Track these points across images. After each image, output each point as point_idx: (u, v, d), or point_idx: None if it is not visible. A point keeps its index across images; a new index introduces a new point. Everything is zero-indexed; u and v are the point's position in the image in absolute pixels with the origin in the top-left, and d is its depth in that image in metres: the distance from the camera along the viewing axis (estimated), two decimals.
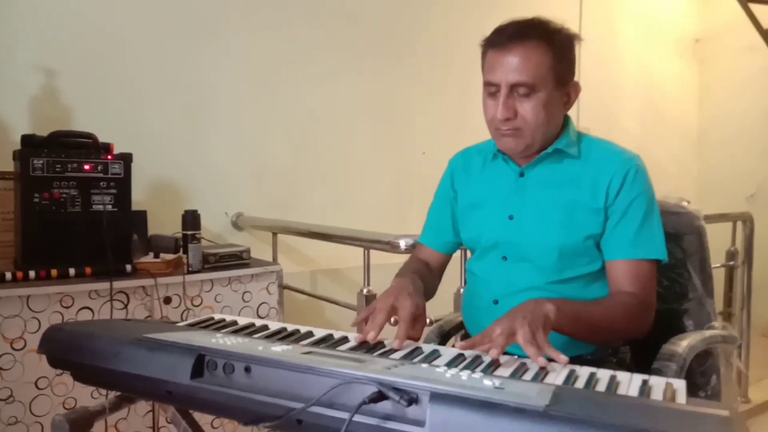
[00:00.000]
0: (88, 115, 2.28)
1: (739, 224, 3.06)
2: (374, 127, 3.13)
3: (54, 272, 1.79)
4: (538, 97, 1.18)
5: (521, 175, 1.29)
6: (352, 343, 1.08)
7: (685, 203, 1.49)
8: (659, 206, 1.27)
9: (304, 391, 0.80)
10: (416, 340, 1.11)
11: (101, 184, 1.90)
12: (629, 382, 0.85)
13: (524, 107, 1.19)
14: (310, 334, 1.12)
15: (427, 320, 1.16)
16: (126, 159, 1.95)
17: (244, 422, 0.87)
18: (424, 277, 1.35)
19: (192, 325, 1.15)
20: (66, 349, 0.99)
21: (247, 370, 0.85)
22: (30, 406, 1.71)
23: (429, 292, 1.39)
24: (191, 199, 2.49)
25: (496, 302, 1.28)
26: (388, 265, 1.65)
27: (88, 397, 1.77)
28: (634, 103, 4.44)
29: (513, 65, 1.17)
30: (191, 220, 1.99)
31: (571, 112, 1.32)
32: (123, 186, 1.94)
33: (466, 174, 1.40)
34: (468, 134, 1.50)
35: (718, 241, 2.90)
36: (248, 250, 2.17)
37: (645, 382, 0.84)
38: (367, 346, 1.06)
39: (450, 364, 0.95)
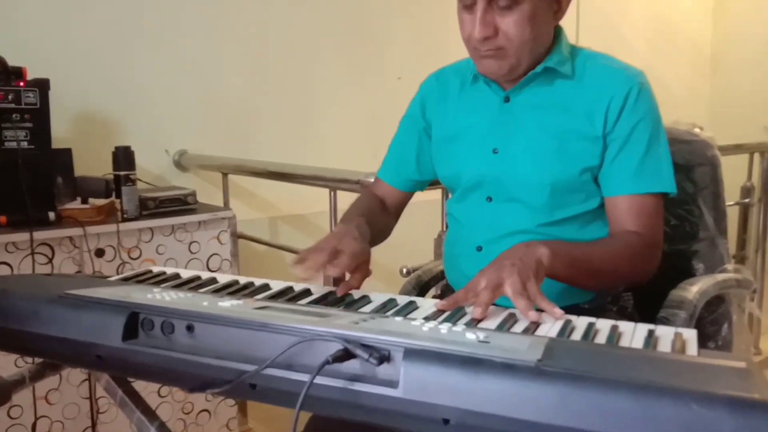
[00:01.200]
0: None
1: (756, 156, 3.09)
2: (340, 48, 3.06)
3: None
4: (521, 9, 1.13)
5: (506, 100, 1.26)
6: (315, 296, 1.07)
7: (697, 130, 1.48)
8: (668, 133, 1.25)
9: (257, 351, 0.79)
10: (357, 288, 1.11)
11: (13, 116, 1.82)
12: (633, 333, 0.85)
13: (506, 22, 1.14)
14: (266, 287, 1.11)
15: (371, 270, 1.16)
16: (42, 86, 1.87)
17: (189, 389, 0.85)
18: (375, 218, 1.34)
19: (126, 280, 1.13)
20: None
21: (190, 329, 0.83)
22: None
23: (380, 234, 1.38)
24: (124, 135, 2.42)
25: (479, 249, 1.27)
26: None
27: (11, 365, 1.74)
28: (641, 19, 4.39)
29: None
30: (124, 158, 1.94)
31: (569, 28, 1.28)
32: (40, 119, 1.86)
33: (442, 100, 1.36)
34: (449, 56, 1.45)
35: (732, 175, 2.94)
36: (194, 194, 2.14)
37: (651, 333, 0.84)
38: (330, 300, 1.05)
39: (429, 317, 0.94)
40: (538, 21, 1.16)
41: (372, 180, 1.90)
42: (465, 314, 0.95)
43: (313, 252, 1.10)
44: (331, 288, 1.10)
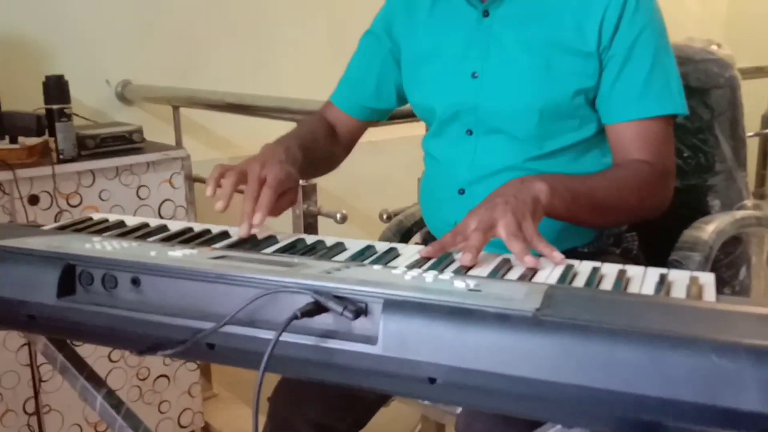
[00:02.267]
0: None
1: None
2: None
3: None
4: None
5: (485, 14, 1.24)
6: (282, 244, 1.06)
7: (714, 47, 1.48)
8: (680, 52, 1.27)
9: (215, 307, 0.78)
10: (276, 215, 1.10)
11: None
12: (642, 279, 0.85)
13: None
14: (225, 235, 1.10)
15: (300, 200, 1.15)
16: None
17: (138, 351, 0.86)
18: (315, 145, 1.33)
19: (62, 228, 1.11)
20: None
21: (135, 282, 0.82)
22: None
23: (322, 163, 1.39)
24: (57, 63, 2.36)
25: (461, 192, 1.27)
26: None
27: None
28: None
29: None
30: (57, 89, 1.91)
31: None
32: None
33: (410, 15, 1.35)
34: None
35: (753, 102, 2.95)
36: (140, 130, 2.12)
37: (663, 278, 0.84)
38: (299, 247, 1.04)
39: (412, 265, 0.94)
40: None
41: None
42: (453, 261, 0.95)
43: (233, 176, 1.08)
44: (301, 235, 1.09)
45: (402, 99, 1.42)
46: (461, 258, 0.92)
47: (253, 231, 1.06)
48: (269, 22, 2.93)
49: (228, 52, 2.83)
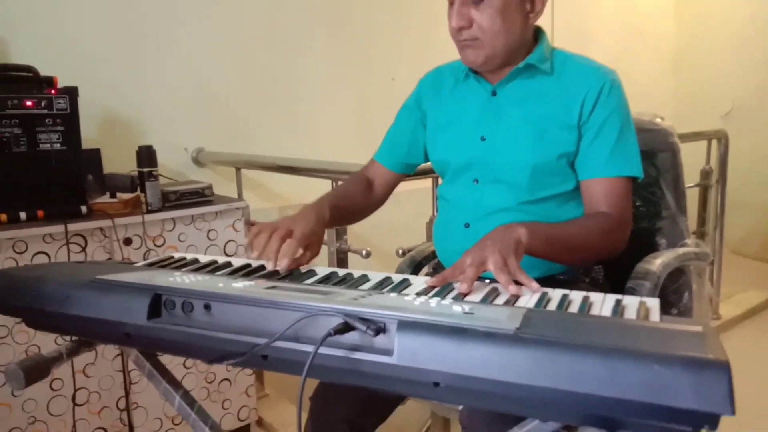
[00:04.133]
0: (25, 46, 2.15)
1: (714, 142, 3.09)
2: (337, 51, 3.03)
3: (3, 217, 1.73)
4: (492, 3, 1.15)
5: (493, 93, 1.26)
6: (319, 276, 1.07)
7: (659, 119, 1.48)
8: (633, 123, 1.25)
9: (268, 326, 0.79)
10: (301, 265, 1.12)
11: (46, 121, 1.81)
12: (602, 303, 0.85)
13: (479, 15, 1.16)
14: (276, 270, 1.09)
15: (319, 250, 1.18)
16: (71, 93, 1.85)
17: (209, 361, 0.86)
18: (348, 203, 1.35)
19: (150, 265, 1.12)
20: (14, 294, 0.95)
21: (207, 307, 0.83)
22: None
23: (354, 215, 1.40)
24: (147, 135, 2.40)
25: (467, 225, 1.27)
26: None
27: (51, 343, 1.74)
28: (609, 19, 4.37)
29: None
30: (147, 156, 1.93)
31: (545, 27, 1.28)
32: (70, 122, 1.85)
33: (437, 93, 1.37)
34: (440, 57, 1.45)
35: (694, 160, 2.94)
36: (210, 187, 2.12)
37: (618, 302, 0.84)
38: (333, 279, 1.05)
39: (420, 292, 0.94)
40: (509, 15, 1.17)
41: None
42: (453, 289, 0.95)
43: (267, 232, 1.11)
44: (334, 269, 1.10)
45: (427, 156, 1.43)
46: (459, 287, 0.93)
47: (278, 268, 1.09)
48: (309, 99, 2.96)
49: (275, 122, 2.85)
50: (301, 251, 1.12)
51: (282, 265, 1.07)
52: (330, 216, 1.23)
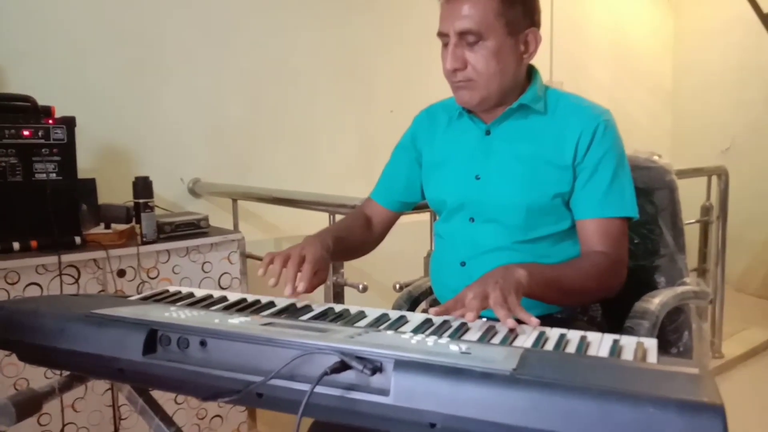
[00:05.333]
0: (23, 75, 2.19)
1: (714, 179, 3.12)
2: (336, 84, 3.09)
3: None
4: (486, 45, 1.17)
5: (487, 133, 1.28)
6: (316, 312, 1.08)
7: (656, 157, 1.50)
8: (630, 161, 1.27)
9: (263, 363, 0.79)
10: (310, 291, 1.14)
11: (43, 150, 1.84)
12: (600, 343, 0.86)
13: (473, 56, 1.18)
14: (271, 304, 1.12)
15: (328, 280, 1.19)
16: (69, 123, 1.88)
17: (203, 398, 0.86)
18: (350, 236, 1.37)
19: (145, 299, 1.13)
20: (7, 328, 0.96)
21: (203, 344, 0.84)
22: None
23: (355, 250, 1.41)
24: (143, 165, 2.43)
25: (463, 264, 1.28)
26: None
27: (41, 377, 1.74)
28: (605, 54, 4.45)
29: (459, 13, 1.17)
30: (143, 187, 1.95)
31: (543, 65, 1.31)
32: (67, 152, 1.88)
33: (431, 132, 1.39)
34: (438, 91, 1.48)
35: (693, 196, 2.97)
36: (206, 218, 2.14)
37: (616, 342, 0.85)
38: (330, 315, 1.06)
39: (417, 330, 0.95)
40: (504, 57, 1.19)
41: None
42: (450, 327, 0.96)
43: (281, 259, 1.13)
44: (331, 304, 1.12)
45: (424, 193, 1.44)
46: (466, 317, 0.94)
47: (293, 298, 1.11)
48: (307, 133, 3.00)
49: (276, 155, 2.88)
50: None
51: (301, 288, 1.10)
52: (333, 248, 1.25)
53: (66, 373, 1.06)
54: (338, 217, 2.09)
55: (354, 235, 1.39)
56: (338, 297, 2.06)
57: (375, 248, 1.46)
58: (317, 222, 2.25)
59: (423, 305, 1.60)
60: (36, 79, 2.18)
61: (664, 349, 0.84)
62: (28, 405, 0.94)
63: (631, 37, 4.67)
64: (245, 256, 2.22)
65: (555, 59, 3.54)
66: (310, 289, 1.13)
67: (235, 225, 2.54)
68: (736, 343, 3.26)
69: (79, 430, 1.84)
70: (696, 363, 0.74)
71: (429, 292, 1.56)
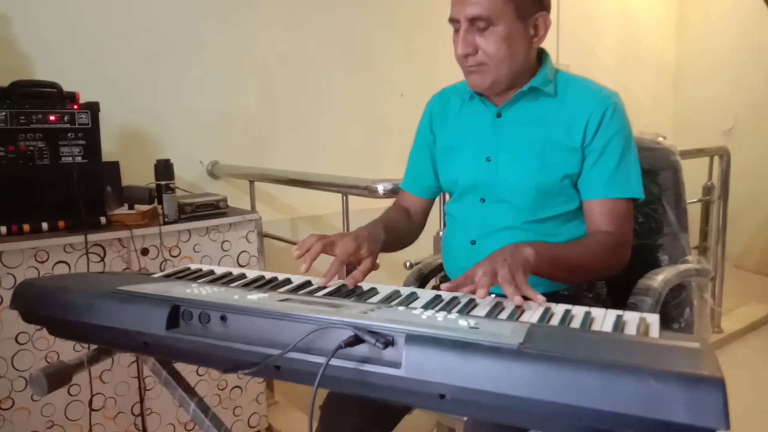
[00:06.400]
0: (49, 63, 2.19)
1: (716, 159, 3.09)
2: (346, 69, 3.07)
3: (26, 227, 1.76)
4: (497, 30, 1.16)
5: (498, 115, 1.27)
6: (330, 289, 1.08)
7: (660, 139, 1.49)
8: (635, 142, 1.26)
9: (281, 337, 0.80)
10: (358, 281, 1.12)
11: (69, 135, 1.85)
12: (604, 318, 0.86)
13: (484, 41, 1.17)
14: (288, 281, 1.12)
15: (377, 265, 1.18)
16: (93, 108, 1.89)
17: (224, 370, 0.87)
18: (396, 226, 1.35)
19: (168, 276, 1.14)
20: (38, 304, 0.98)
21: (223, 318, 0.85)
22: (12, 361, 1.71)
23: (403, 238, 1.39)
24: (164, 148, 2.44)
25: (473, 243, 1.28)
26: (367, 210, 1.64)
27: (70, 350, 1.77)
28: (611, 37, 4.39)
29: None
30: (164, 169, 1.95)
31: (550, 48, 1.29)
32: (92, 136, 1.88)
33: (444, 116, 1.38)
34: (448, 75, 1.47)
35: (696, 175, 2.94)
36: (225, 199, 2.14)
37: (619, 318, 0.85)
38: (344, 291, 1.07)
39: (427, 306, 0.96)
40: (514, 41, 1.18)
41: (379, 186, 1.92)
42: (459, 303, 0.97)
43: (312, 239, 1.13)
44: (343, 281, 1.12)
45: None
46: (477, 293, 0.94)
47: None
48: (320, 116, 2.99)
49: (289, 138, 2.88)
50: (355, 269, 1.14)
51: (322, 281, 1.09)
52: (384, 237, 1.24)
53: (94, 346, 1.08)
54: (351, 198, 2.09)
55: (400, 226, 1.38)
56: (351, 271, 2.06)
57: (417, 237, 1.45)
58: (331, 203, 2.26)
59: (433, 282, 1.60)
60: (61, 66, 2.18)
61: (666, 324, 0.84)
62: (59, 376, 0.96)
63: (636, 21, 4.60)
64: (262, 235, 2.23)
65: (562, 42, 3.49)
66: (352, 282, 1.11)
67: (253, 205, 2.55)
68: (736, 319, 3.25)
69: (106, 400, 1.87)
70: (697, 338, 0.74)
71: (438, 269, 1.56)
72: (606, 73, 4.13)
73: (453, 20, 1.20)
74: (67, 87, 1.92)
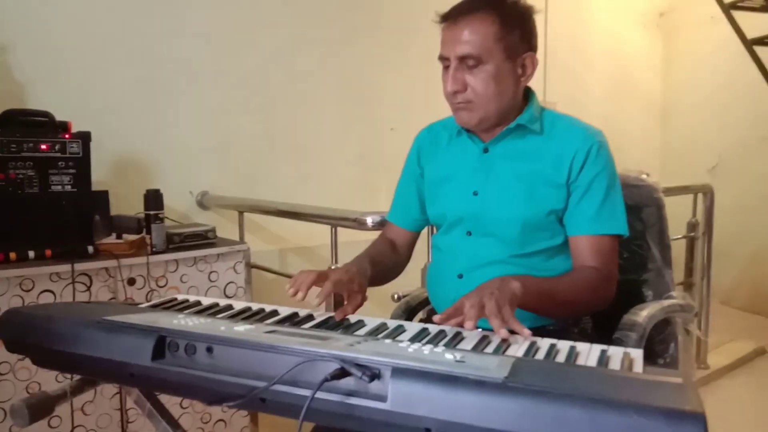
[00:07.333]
0: (42, 92, 2.21)
1: (700, 196, 3.13)
2: (339, 102, 3.10)
3: (12, 255, 1.75)
4: (486, 69, 1.19)
5: (485, 151, 1.29)
6: (317, 321, 1.08)
7: (644, 176, 1.51)
8: (620, 179, 1.28)
9: (267, 369, 0.80)
10: (347, 314, 1.13)
11: (59, 164, 1.85)
12: (588, 353, 0.87)
13: (473, 79, 1.20)
14: (275, 312, 1.13)
15: (365, 297, 1.19)
16: (84, 138, 1.90)
17: (208, 402, 0.87)
18: (382, 259, 1.37)
19: (154, 306, 1.14)
20: (23, 333, 0.97)
21: (209, 350, 0.85)
22: None
23: (389, 272, 1.40)
24: (154, 178, 2.44)
25: (460, 276, 1.29)
26: (355, 242, 1.64)
27: (52, 380, 1.74)
28: (600, 74, 4.48)
29: (459, 38, 1.18)
30: (154, 199, 1.95)
31: (538, 86, 1.32)
32: (82, 166, 1.89)
33: (432, 150, 1.40)
34: (437, 110, 1.49)
35: (682, 211, 2.98)
36: (213, 230, 2.14)
37: (603, 352, 0.86)
38: (331, 323, 1.07)
39: (414, 339, 0.96)
40: (502, 80, 1.20)
41: (368, 219, 1.93)
42: (445, 336, 0.97)
43: (304, 273, 1.14)
44: (331, 313, 1.12)
45: None
46: (465, 325, 0.95)
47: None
48: (311, 149, 3.01)
49: (280, 170, 2.89)
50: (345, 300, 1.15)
51: (315, 302, 1.11)
52: (371, 272, 1.25)
53: (77, 377, 1.06)
54: (340, 230, 2.10)
55: (386, 259, 1.40)
56: (338, 306, 2.05)
57: (403, 270, 1.46)
58: (320, 234, 2.26)
59: (420, 315, 1.60)
60: (54, 96, 2.20)
61: (651, 360, 0.84)
62: (41, 407, 0.95)
63: (625, 59, 4.70)
64: (250, 266, 2.22)
65: (550, 79, 3.56)
66: (341, 315, 1.12)
67: (241, 236, 2.54)
68: (722, 355, 3.26)
69: None
70: (680, 373, 0.75)
71: (426, 302, 1.57)
72: (594, 108, 4.21)
73: (443, 58, 1.23)
74: (59, 116, 1.93)
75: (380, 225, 1.91)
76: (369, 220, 1.92)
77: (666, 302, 1.39)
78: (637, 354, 0.85)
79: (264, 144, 2.85)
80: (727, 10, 3.57)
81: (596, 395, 0.64)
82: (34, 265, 1.74)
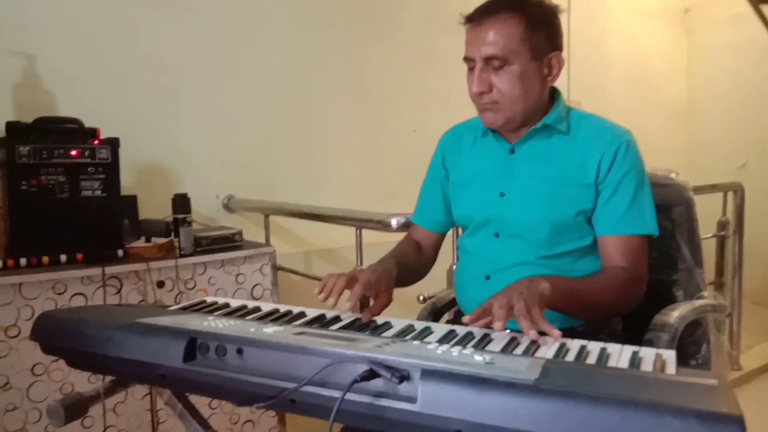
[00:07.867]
0: (72, 100, 2.25)
1: (730, 194, 3.07)
2: (360, 105, 3.10)
3: (45, 259, 1.79)
4: (511, 69, 1.18)
5: (511, 151, 1.28)
6: (344, 322, 1.08)
7: (673, 175, 1.49)
8: (648, 178, 1.26)
9: (296, 371, 0.80)
10: (374, 315, 1.12)
11: (89, 169, 1.89)
12: (620, 354, 0.86)
13: (499, 80, 1.19)
14: (302, 314, 1.13)
15: (392, 299, 1.19)
16: (113, 144, 1.93)
17: (238, 403, 0.87)
18: (407, 260, 1.36)
19: (184, 309, 1.15)
20: (58, 336, 0.99)
21: (239, 352, 0.85)
22: (27, 392, 1.71)
23: (414, 273, 1.40)
24: (181, 183, 2.47)
25: (487, 278, 1.28)
26: (380, 244, 1.64)
27: (84, 381, 1.77)
28: (622, 74, 4.42)
29: (485, 39, 1.18)
30: (181, 203, 1.98)
31: (562, 86, 1.31)
32: (111, 171, 1.92)
33: (457, 151, 1.39)
34: (460, 110, 1.49)
35: (710, 211, 2.92)
36: (240, 233, 2.16)
37: (635, 354, 0.85)
38: (358, 325, 1.07)
39: (441, 340, 0.96)
40: (528, 80, 1.19)
41: (393, 220, 1.93)
42: (473, 338, 0.96)
43: (333, 277, 1.13)
44: (357, 315, 1.12)
45: None
46: (494, 325, 0.94)
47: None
48: (335, 151, 3.02)
49: (303, 172, 2.90)
50: (371, 300, 1.15)
51: (347, 305, 1.11)
52: (397, 272, 1.25)
53: (110, 378, 1.08)
54: (365, 232, 2.10)
55: (411, 260, 1.39)
56: (364, 307, 2.06)
57: (429, 271, 1.46)
58: (345, 236, 2.27)
59: (446, 317, 1.60)
60: (83, 103, 2.24)
61: (683, 361, 0.83)
62: (76, 408, 0.96)
63: (647, 58, 4.64)
64: (276, 268, 2.24)
65: (573, 78, 3.53)
66: (368, 316, 1.12)
67: (267, 239, 2.56)
68: (755, 357, 3.19)
69: None
70: (714, 374, 0.73)
71: (452, 303, 1.56)
72: (617, 110, 4.15)
73: (468, 59, 1.22)
74: (88, 123, 1.96)
75: (405, 227, 1.90)
76: (393, 222, 1.92)
77: (697, 302, 1.37)
78: (670, 355, 0.84)
79: (287, 147, 2.86)
80: (756, 4, 3.50)
81: (629, 397, 0.63)
82: (66, 269, 1.78)
